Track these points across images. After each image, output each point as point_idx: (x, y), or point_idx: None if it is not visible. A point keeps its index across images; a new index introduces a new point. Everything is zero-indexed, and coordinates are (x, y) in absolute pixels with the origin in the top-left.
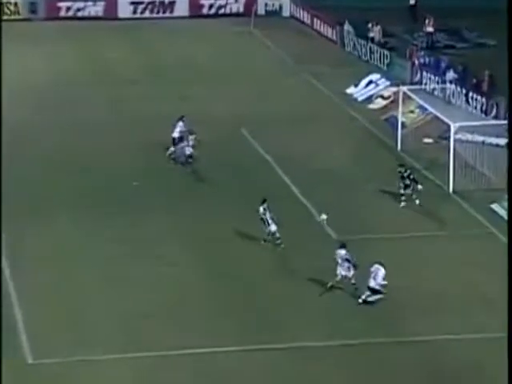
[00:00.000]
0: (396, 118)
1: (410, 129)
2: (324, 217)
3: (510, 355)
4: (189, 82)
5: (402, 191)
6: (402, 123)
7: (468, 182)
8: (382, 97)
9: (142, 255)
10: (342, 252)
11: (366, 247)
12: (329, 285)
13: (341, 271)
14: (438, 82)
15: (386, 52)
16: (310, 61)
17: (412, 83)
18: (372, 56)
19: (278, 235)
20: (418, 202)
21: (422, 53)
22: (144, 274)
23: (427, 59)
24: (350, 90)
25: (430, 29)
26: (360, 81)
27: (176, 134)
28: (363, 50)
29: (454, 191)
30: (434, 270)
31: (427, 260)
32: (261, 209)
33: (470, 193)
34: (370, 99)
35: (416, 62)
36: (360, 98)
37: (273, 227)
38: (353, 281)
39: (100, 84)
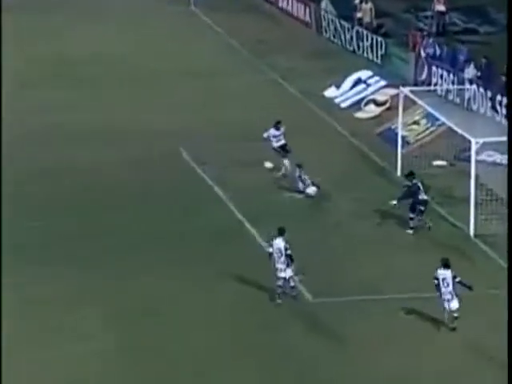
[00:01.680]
0: (395, 132)
1: (414, 146)
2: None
3: (510, 355)
4: (108, 82)
5: (410, 214)
6: (403, 139)
7: (496, 221)
8: (375, 102)
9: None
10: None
11: (349, 312)
12: None
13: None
14: (453, 82)
15: (379, 39)
16: (273, 52)
17: (417, 83)
18: (360, 45)
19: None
20: (429, 225)
21: (431, 40)
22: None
23: (438, 50)
24: (331, 93)
25: (441, 7)
26: (344, 80)
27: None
28: (348, 36)
29: (476, 235)
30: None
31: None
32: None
33: (499, 238)
34: (357, 105)
35: (422, 54)
36: (344, 104)
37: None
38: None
39: None
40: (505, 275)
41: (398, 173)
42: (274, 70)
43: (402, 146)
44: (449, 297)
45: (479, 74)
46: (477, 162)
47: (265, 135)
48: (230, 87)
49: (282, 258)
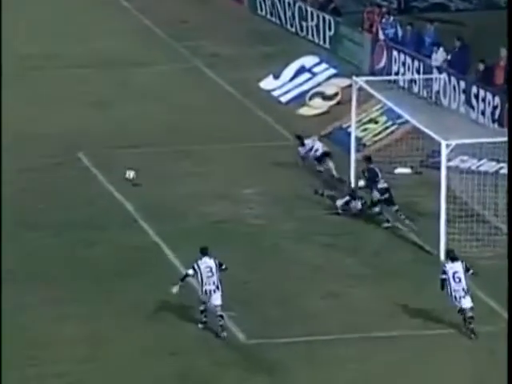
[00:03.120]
0: (347, 132)
1: (370, 150)
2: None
3: (510, 355)
4: None
5: (375, 209)
6: (358, 140)
7: (472, 242)
8: (323, 95)
9: None
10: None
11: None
12: None
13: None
14: (418, 71)
15: (327, 18)
16: (197, 33)
17: (374, 72)
18: (304, 25)
19: None
20: (405, 220)
21: (391, 19)
22: None
23: (399, 30)
24: (268, 84)
25: None
26: (284, 68)
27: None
28: (288, 14)
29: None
30: None
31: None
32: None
33: (475, 260)
34: (300, 99)
35: (380, 36)
36: (284, 98)
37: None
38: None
39: None
40: (486, 310)
41: (352, 182)
42: (196, 55)
43: (356, 150)
44: (462, 294)
45: (450, 59)
46: (448, 168)
47: (302, 153)
48: (143, 77)
49: (214, 278)
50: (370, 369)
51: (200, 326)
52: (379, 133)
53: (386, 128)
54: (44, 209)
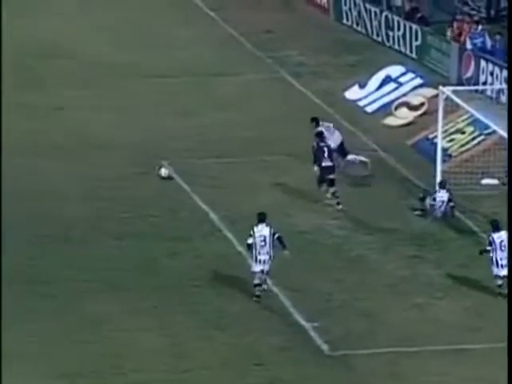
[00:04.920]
0: (432, 143)
1: (457, 161)
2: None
3: (510, 355)
4: (62, 78)
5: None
6: (444, 151)
7: None
8: (409, 106)
9: None
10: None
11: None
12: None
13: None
14: (506, 80)
15: (414, 27)
16: (282, 43)
17: (461, 82)
18: (390, 34)
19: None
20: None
21: (480, 28)
22: None
23: (488, 40)
24: (353, 94)
25: None
26: (370, 78)
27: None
28: (374, 23)
29: None
30: None
31: None
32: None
33: None
34: (386, 109)
35: (468, 45)
36: (370, 108)
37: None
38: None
39: None
40: None
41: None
42: (281, 65)
43: (443, 161)
44: (504, 262)
45: None
46: None
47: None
48: (227, 87)
49: (266, 248)
50: (454, 382)
51: (255, 299)
52: (466, 143)
53: (473, 138)
54: (127, 218)
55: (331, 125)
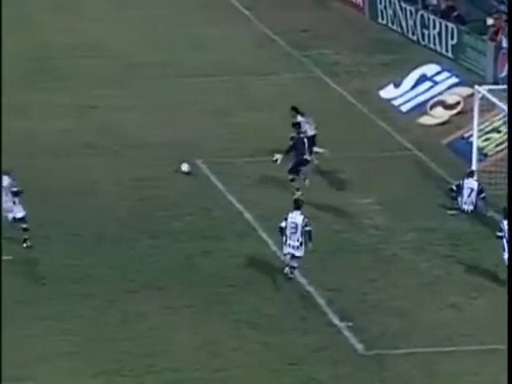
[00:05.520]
0: (468, 142)
1: (492, 160)
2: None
3: (510, 355)
4: (96, 77)
5: (291, 176)
6: (480, 150)
7: None
8: (444, 104)
9: None
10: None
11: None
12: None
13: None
14: None
15: (450, 26)
16: (317, 42)
17: (497, 81)
18: (426, 33)
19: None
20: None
21: None
22: None
23: None
24: (388, 93)
25: None
26: (405, 77)
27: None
28: (410, 22)
29: None
30: None
31: None
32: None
33: None
34: (421, 108)
35: (504, 44)
36: (405, 107)
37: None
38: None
39: None
40: None
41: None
42: (317, 64)
43: (478, 160)
44: None
45: None
46: None
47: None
48: (261, 85)
49: (297, 235)
50: (489, 382)
51: (290, 275)
52: (501, 142)
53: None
54: (162, 217)
55: (311, 119)
